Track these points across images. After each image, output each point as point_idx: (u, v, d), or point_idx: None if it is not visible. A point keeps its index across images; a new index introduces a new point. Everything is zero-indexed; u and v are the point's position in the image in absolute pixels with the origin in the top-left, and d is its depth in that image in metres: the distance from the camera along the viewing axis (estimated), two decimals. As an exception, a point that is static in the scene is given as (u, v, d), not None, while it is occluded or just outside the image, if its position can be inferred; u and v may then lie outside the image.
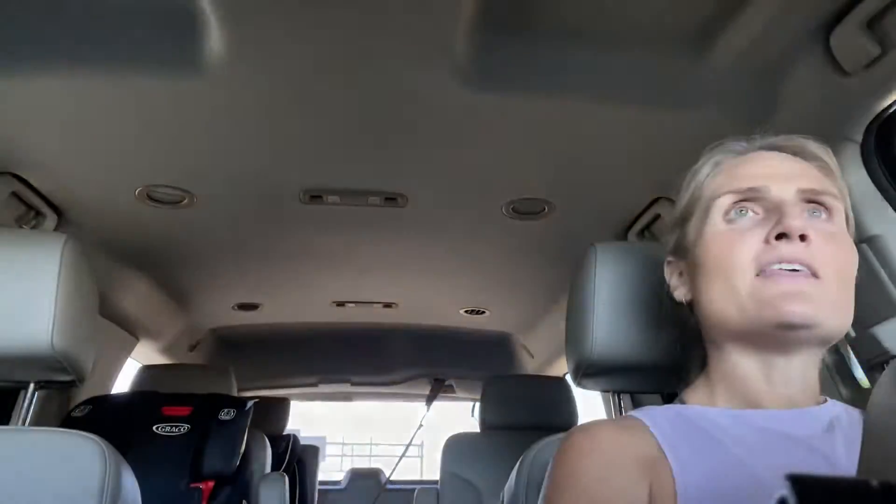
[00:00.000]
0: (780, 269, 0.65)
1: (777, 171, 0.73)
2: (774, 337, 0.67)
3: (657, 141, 1.25)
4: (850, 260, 0.69)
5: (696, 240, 0.75)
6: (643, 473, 0.64)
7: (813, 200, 0.71)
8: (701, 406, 0.73)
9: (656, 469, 0.65)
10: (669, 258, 0.83)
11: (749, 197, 0.72)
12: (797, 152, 0.76)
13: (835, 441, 0.66)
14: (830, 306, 0.65)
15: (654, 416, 0.71)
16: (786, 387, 0.69)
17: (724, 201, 0.73)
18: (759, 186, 0.71)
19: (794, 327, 0.65)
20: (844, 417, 0.70)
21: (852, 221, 0.76)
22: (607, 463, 0.66)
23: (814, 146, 0.77)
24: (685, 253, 0.78)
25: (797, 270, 0.65)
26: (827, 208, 0.71)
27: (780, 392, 0.69)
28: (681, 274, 0.80)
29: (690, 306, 0.78)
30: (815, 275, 0.65)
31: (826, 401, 0.72)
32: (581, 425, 0.73)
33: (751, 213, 0.71)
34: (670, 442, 0.67)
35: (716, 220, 0.73)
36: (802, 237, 0.65)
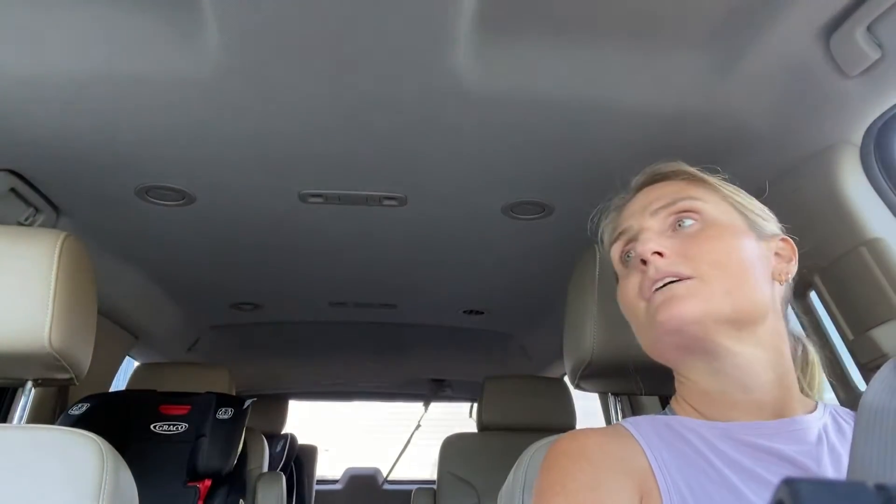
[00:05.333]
0: (656, 289, 0.70)
1: (638, 206, 0.79)
2: (678, 346, 0.70)
3: (657, 142, 1.25)
4: (723, 247, 0.71)
5: None
6: (634, 486, 0.64)
7: (673, 212, 0.75)
8: (689, 418, 0.73)
9: (646, 484, 0.65)
10: None
11: (625, 240, 0.79)
12: (659, 178, 0.82)
13: (822, 453, 0.66)
14: (711, 295, 0.68)
15: (643, 427, 0.71)
16: (748, 392, 0.69)
17: (614, 253, 0.81)
18: (625, 228, 0.79)
19: (678, 330, 0.68)
20: (832, 426, 0.70)
21: (749, 206, 0.78)
22: (596, 470, 0.65)
23: (666, 164, 0.83)
24: None
25: (671, 283, 0.69)
26: (688, 211, 0.75)
27: (746, 398, 0.69)
28: None
29: None
30: (684, 278, 0.69)
31: (816, 407, 0.72)
32: (567, 433, 0.73)
33: (633, 254, 0.76)
34: (658, 456, 0.67)
35: (619, 271, 0.80)
36: (660, 254, 0.70)
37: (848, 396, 1.18)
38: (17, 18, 0.98)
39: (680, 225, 0.74)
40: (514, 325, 2.74)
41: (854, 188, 1.09)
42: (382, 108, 1.16)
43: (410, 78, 1.07)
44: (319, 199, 1.53)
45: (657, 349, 0.74)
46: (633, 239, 0.77)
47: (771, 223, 0.79)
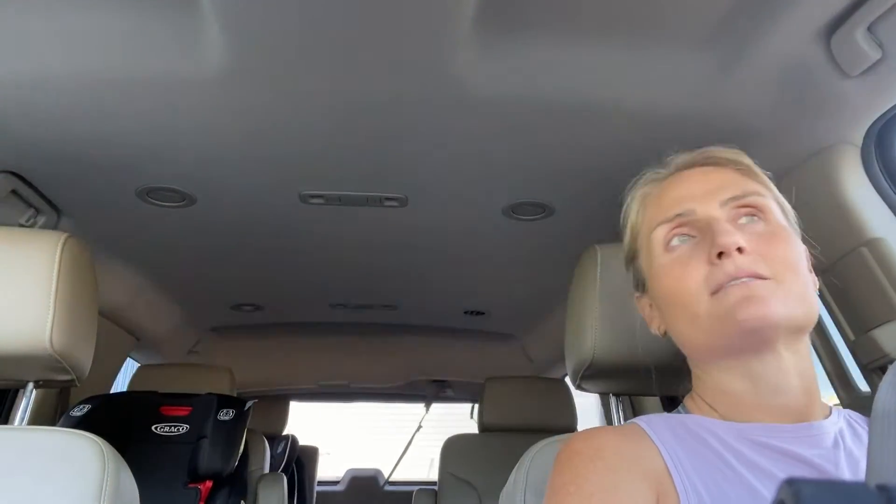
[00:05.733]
0: (731, 284, 0.67)
1: (698, 190, 0.75)
2: (744, 346, 0.67)
3: (657, 142, 1.25)
4: (792, 251, 0.70)
5: (649, 276, 0.78)
6: (650, 488, 0.63)
7: (741, 205, 0.73)
8: (704, 417, 0.72)
9: (663, 485, 0.64)
10: (637, 293, 0.84)
11: (680, 222, 0.74)
12: (711, 162, 0.79)
13: (839, 458, 0.65)
14: (787, 298, 0.66)
15: (657, 426, 0.70)
16: (779, 396, 0.68)
17: (660, 233, 0.75)
18: (685, 210, 0.74)
19: (756, 331, 0.66)
20: (847, 430, 0.70)
21: (788, 208, 0.78)
22: (612, 472, 0.64)
23: (724, 151, 0.79)
24: (645, 288, 0.81)
25: (746, 281, 0.67)
26: (756, 207, 0.73)
27: (773, 402, 0.68)
28: (650, 306, 0.81)
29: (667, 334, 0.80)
30: (762, 278, 0.67)
31: (831, 412, 0.72)
32: (581, 432, 0.72)
33: (688, 238, 0.73)
34: (674, 456, 0.66)
35: (659, 253, 0.75)
36: (740, 249, 0.67)
37: (849, 397, 1.18)
38: (17, 21, 0.98)
39: (747, 220, 0.72)
40: (515, 325, 2.74)
41: (855, 188, 1.09)
42: (383, 109, 1.16)
43: (411, 79, 1.07)
44: (320, 200, 1.53)
45: (713, 344, 0.70)
46: (689, 223, 0.73)
47: (798, 229, 0.78)
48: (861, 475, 0.64)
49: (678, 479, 0.63)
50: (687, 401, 0.77)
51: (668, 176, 0.81)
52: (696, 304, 0.69)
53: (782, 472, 0.63)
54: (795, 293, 0.67)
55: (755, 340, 0.67)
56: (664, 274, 0.74)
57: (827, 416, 0.70)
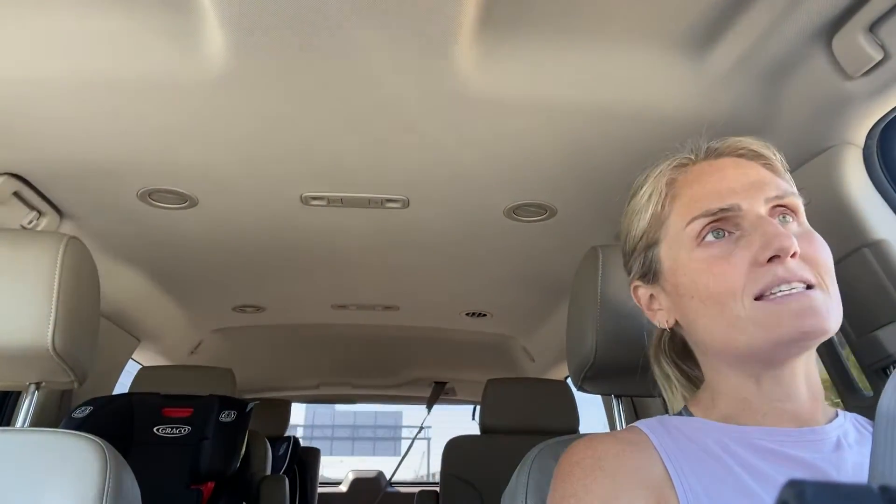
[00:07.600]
0: (782, 292, 0.64)
1: (738, 184, 0.71)
2: (783, 352, 0.66)
3: (657, 143, 1.24)
4: (828, 254, 0.69)
5: (673, 267, 0.74)
6: (651, 497, 0.63)
7: (780, 205, 0.70)
8: (707, 420, 0.71)
9: (664, 493, 0.64)
10: (637, 283, 0.81)
11: (723, 217, 0.70)
12: (741, 154, 0.75)
13: (842, 461, 0.65)
14: (833, 308, 0.66)
15: (659, 431, 0.70)
16: (789, 401, 0.68)
17: (696, 226, 0.71)
18: (730, 205, 0.70)
19: (807, 343, 0.65)
20: (853, 433, 0.69)
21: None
22: (612, 483, 0.64)
23: (755, 144, 0.76)
24: (658, 279, 0.77)
25: (801, 291, 0.65)
26: (794, 210, 0.71)
27: (784, 408, 0.68)
28: (651, 297, 0.79)
29: (672, 330, 0.78)
30: (810, 286, 0.65)
31: (836, 415, 0.71)
32: (582, 440, 0.71)
33: (723, 233, 0.70)
34: (675, 461, 0.66)
35: (691, 247, 0.71)
36: (793, 253, 0.65)
37: (851, 398, 1.17)
38: (19, 23, 0.98)
39: (780, 220, 0.69)
40: (517, 327, 2.73)
41: (857, 190, 1.08)
42: (385, 111, 1.16)
43: (413, 80, 1.07)
44: (322, 202, 1.53)
45: (752, 348, 0.66)
46: (732, 219, 0.69)
47: None
48: (864, 478, 0.64)
49: (679, 486, 0.63)
50: (691, 404, 0.76)
51: (697, 162, 0.77)
52: (737, 306, 0.66)
53: (783, 476, 0.63)
54: (837, 303, 0.66)
55: (794, 351, 0.66)
56: (700, 270, 0.69)
57: (830, 420, 0.70)
